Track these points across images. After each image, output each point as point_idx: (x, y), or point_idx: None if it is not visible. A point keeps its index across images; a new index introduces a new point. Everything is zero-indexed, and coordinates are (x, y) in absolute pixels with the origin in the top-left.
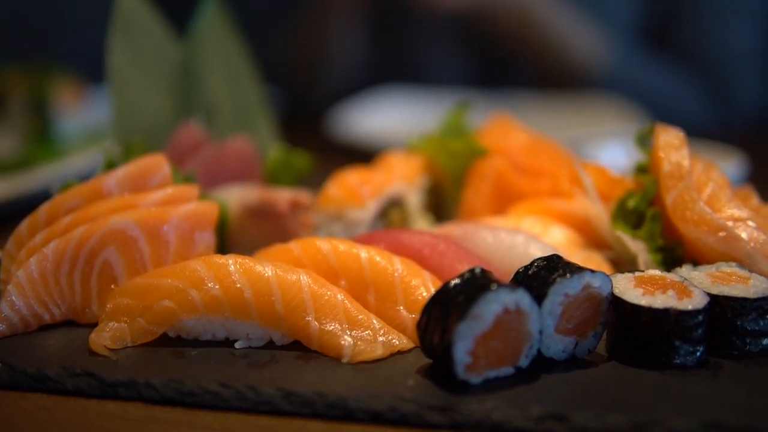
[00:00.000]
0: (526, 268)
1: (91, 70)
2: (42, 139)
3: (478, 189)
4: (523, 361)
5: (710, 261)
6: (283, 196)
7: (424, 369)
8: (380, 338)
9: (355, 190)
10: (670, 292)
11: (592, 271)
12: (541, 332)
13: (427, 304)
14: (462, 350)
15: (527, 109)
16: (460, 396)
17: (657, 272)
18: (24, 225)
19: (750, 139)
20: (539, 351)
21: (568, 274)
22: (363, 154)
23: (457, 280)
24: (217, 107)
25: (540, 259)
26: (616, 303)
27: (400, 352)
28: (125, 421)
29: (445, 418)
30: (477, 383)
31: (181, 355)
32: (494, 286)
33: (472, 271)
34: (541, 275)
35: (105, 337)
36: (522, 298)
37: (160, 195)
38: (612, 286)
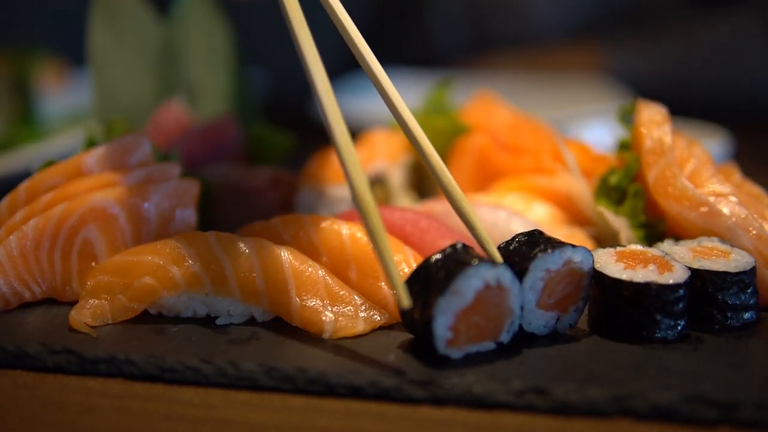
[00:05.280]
0: (508, 243)
1: (75, 52)
2: (25, 121)
3: (461, 166)
4: (505, 337)
5: (692, 236)
6: (265, 174)
7: (405, 344)
8: (361, 314)
9: (338, 167)
10: (651, 267)
11: (574, 246)
12: (522, 307)
13: (408, 280)
14: (442, 325)
15: (512, 90)
16: (441, 370)
17: (638, 247)
18: (4, 203)
19: (735, 118)
20: (520, 326)
21: (549, 249)
22: None
23: (438, 256)
24: (199, 87)
25: (521, 234)
26: (598, 278)
27: (381, 328)
28: (105, 397)
29: (426, 392)
30: (458, 358)
31: (161, 332)
32: (475, 262)
33: (453, 246)
34: (523, 250)
35: (85, 314)
36: (503, 273)
37: (140, 173)
38: (593, 261)
